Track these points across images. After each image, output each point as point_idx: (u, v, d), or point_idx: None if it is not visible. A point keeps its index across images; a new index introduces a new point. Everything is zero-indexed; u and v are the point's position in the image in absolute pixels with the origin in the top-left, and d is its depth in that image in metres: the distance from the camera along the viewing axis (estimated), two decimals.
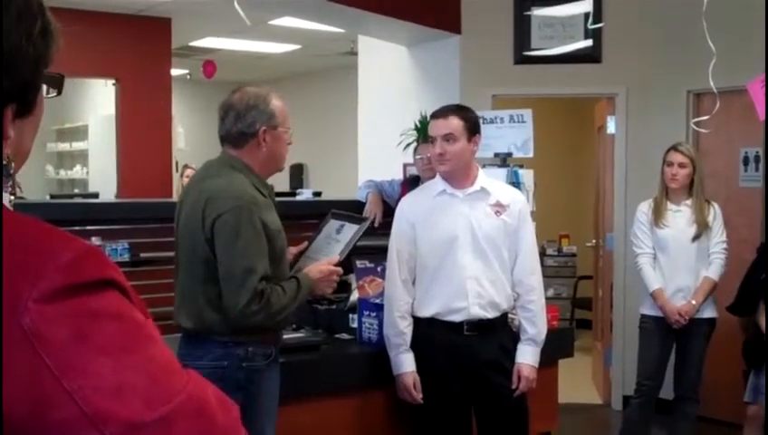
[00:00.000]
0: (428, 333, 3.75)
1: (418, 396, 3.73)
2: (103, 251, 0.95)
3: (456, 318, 3.71)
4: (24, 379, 0.85)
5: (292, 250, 3.45)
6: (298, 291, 3.09)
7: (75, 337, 0.87)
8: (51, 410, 0.86)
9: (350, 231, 3.47)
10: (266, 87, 3.28)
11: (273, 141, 3.16)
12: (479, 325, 3.72)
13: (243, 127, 3.14)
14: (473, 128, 3.76)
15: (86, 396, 0.86)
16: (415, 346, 3.77)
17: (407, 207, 3.87)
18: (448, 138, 3.70)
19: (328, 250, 3.43)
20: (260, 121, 3.13)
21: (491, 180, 3.97)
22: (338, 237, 3.48)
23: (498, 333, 3.79)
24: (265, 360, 3.10)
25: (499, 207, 3.79)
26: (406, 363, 3.75)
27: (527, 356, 3.84)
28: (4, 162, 1.00)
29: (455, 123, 3.71)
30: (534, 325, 3.85)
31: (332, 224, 3.56)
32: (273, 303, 2.98)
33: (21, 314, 0.86)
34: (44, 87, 1.04)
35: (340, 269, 3.28)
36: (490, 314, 3.74)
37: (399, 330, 3.74)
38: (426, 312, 3.76)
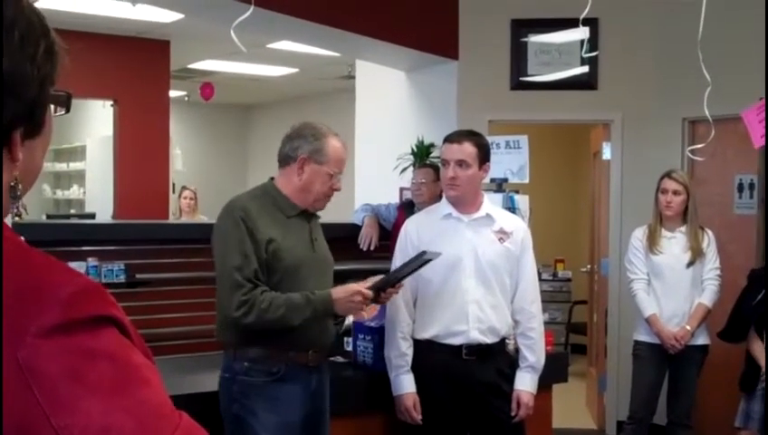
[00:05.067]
0: (427, 355, 3.76)
1: (418, 417, 3.73)
2: (105, 288, 0.95)
3: (456, 341, 3.73)
4: (14, 411, 0.85)
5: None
6: (307, 302, 3.17)
7: (69, 375, 0.87)
8: None
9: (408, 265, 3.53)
10: (332, 130, 3.41)
11: (312, 174, 3.31)
12: (478, 350, 3.74)
13: (288, 150, 3.34)
14: (485, 155, 3.81)
15: None
16: (413, 368, 3.78)
17: (411, 230, 3.89)
18: (461, 163, 3.73)
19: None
20: (303, 150, 3.30)
21: (495, 207, 4.01)
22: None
23: (496, 357, 3.81)
24: (267, 377, 3.18)
25: (503, 234, 3.82)
26: (406, 384, 3.76)
27: (527, 383, 3.85)
28: (12, 184, 1.00)
29: (469, 149, 3.75)
30: (534, 353, 3.87)
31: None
32: (263, 300, 3.11)
33: (18, 347, 0.86)
34: (52, 106, 1.05)
35: (367, 292, 3.30)
36: (489, 340, 3.75)
37: (401, 351, 3.76)
38: (425, 334, 3.77)
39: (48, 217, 9.46)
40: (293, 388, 3.24)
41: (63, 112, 1.10)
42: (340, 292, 3.27)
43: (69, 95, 1.09)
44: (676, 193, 5.12)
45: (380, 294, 3.44)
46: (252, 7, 4.43)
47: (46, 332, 0.87)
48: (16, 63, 0.95)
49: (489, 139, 5.29)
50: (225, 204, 3.35)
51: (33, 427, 0.85)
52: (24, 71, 0.96)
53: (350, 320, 4.14)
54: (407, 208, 5.44)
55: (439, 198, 4.50)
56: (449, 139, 3.83)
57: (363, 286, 3.32)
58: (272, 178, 3.41)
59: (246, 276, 3.11)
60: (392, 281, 3.44)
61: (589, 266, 7.87)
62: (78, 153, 12.14)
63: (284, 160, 3.35)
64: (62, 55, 1.03)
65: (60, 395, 0.86)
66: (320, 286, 3.30)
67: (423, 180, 5.44)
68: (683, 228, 5.17)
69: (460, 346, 3.73)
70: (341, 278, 3.57)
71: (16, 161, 0.99)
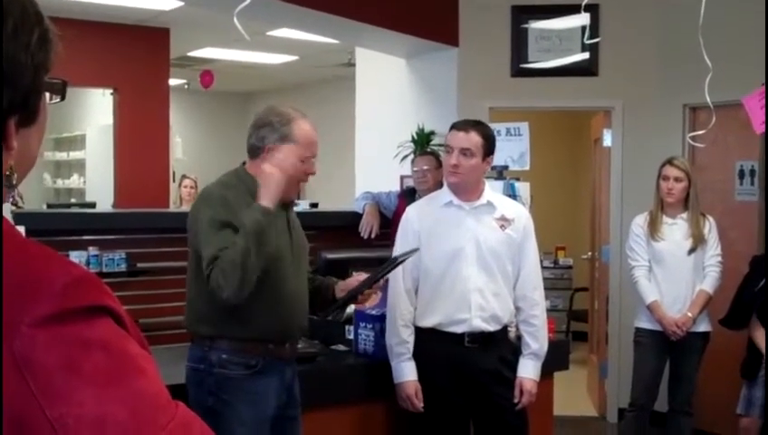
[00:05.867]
0: (429, 343, 3.76)
1: (420, 405, 3.73)
2: (100, 278, 0.95)
3: (458, 329, 3.73)
4: (9, 402, 0.85)
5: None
6: (245, 216, 2.97)
7: (63, 365, 0.86)
8: None
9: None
10: (299, 112, 3.27)
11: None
12: (480, 337, 3.74)
13: (255, 140, 3.22)
14: (490, 148, 3.80)
15: (67, 425, 0.85)
16: (415, 356, 3.78)
17: (412, 217, 3.88)
18: (466, 152, 3.72)
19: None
20: (270, 139, 3.18)
21: (497, 195, 4.01)
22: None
23: (499, 345, 3.81)
24: (245, 370, 3.11)
25: (504, 222, 3.81)
26: (407, 372, 3.76)
27: (530, 370, 3.86)
28: (7, 173, 1.00)
29: (475, 139, 3.74)
30: (537, 340, 3.88)
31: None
32: (222, 257, 2.92)
33: (12, 337, 0.86)
34: (47, 94, 1.04)
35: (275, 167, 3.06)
36: (491, 328, 3.75)
37: (402, 339, 3.76)
38: (427, 322, 3.77)
39: (48, 206, 9.44)
40: (271, 381, 3.19)
41: (59, 100, 1.09)
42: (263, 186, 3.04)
43: (64, 83, 1.08)
44: (677, 180, 5.11)
45: (357, 296, 3.42)
46: None
47: (41, 322, 0.87)
48: (10, 52, 0.94)
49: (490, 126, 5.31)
50: (200, 194, 3.29)
51: (29, 417, 0.85)
52: (18, 59, 0.95)
53: (351, 309, 4.13)
54: (407, 196, 5.44)
55: (441, 184, 4.51)
56: (456, 126, 3.83)
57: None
58: (243, 163, 3.29)
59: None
60: (369, 283, 3.38)
61: (590, 254, 7.88)
62: (78, 142, 12.13)
63: (253, 151, 3.22)
64: (56, 43, 1.02)
65: (54, 385, 0.86)
66: (296, 273, 3.26)
67: (427, 167, 5.44)
68: (684, 215, 5.17)
69: (462, 334, 3.73)
70: (343, 266, 3.56)
71: (11, 150, 0.98)
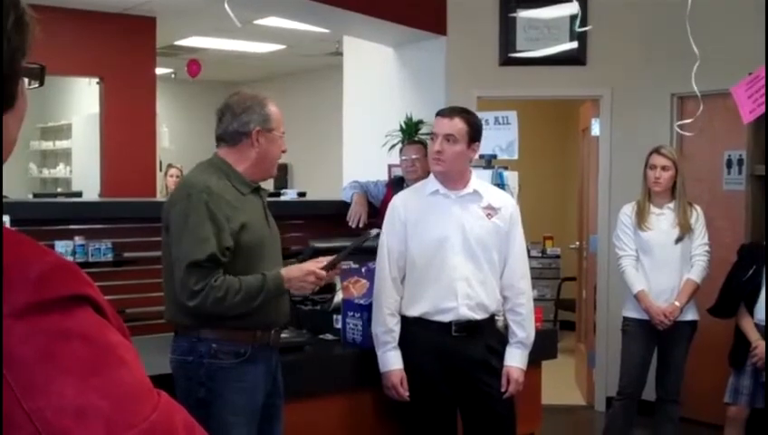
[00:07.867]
0: (416, 332, 3.76)
1: (405, 393, 3.73)
2: (78, 266, 0.92)
3: (445, 318, 3.73)
4: None
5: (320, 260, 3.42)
6: (263, 283, 3.10)
7: (41, 356, 0.84)
8: (8, 430, 0.83)
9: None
10: (263, 92, 3.36)
11: (267, 143, 3.26)
12: (467, 326, 3.74)
13: (238, 126, 3.24)
14: (475, 135, 3.79)
15: (45, 417, 0.83)
16: (402, 345, 3.77)
17: (399, 206, 3.88)
18: (449, 138, 3.71)
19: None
20: (255, 122, 3.23)
21: (483, 183, 4.01)
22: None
23: (485, 334, 3.81)
24: (235, 358, 3.12)
25: (490, 210, 3.81)
26: (393, 361, 3.76)
27: (517, 359, 3.86)
28: None
29: (459, 125, 3.74)
30: (524, 329, 3.88)
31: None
32: (218, 288, 3.02)
33: None
34: (26, 79, 1.02)
35: (320, 272, 3.26)
36: (478, 316, 3.75)
37: (388, 328, 3.75)
38: (414, 311, 3.77)
39: (35, 195, 9.37)
40: (259, 368, 3.19)
41: (37, 85, 1.06)
42: (294, 271, 3.23)
43: (42, 67, 1.05)
44: (664, 169, 5.11)
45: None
46: None
47: (17, 312, 0.85)
48: None
49: (478, 115, 5.29)
50: (182, 182, 3.32)
51: (6, 411, 0.83)
52: None
53: (338, 298, 4.13)
54: (395, 185, 5.43)
55: (430, 173, 4.50)
56: (441, 113, 3.83)
57: (318, 266, 3.27)
58: (215, 153, 3.31)
59: (199, 261, 3.01)
60: (330, 266, 3.37)
61: (577, 243, 7.89)
62: (64, 131, 12.06)
63: (234, 138, 3.24)
64: (33, 26, 0.99)
65: (32, 377, 0.84)
66: (274, 262, 3.28)
67: (415, 156, 5.43)
68: (671, 204, 5.16)
69: (449, 323, 3.73)
70: (331, 255, 3.54)
71: None
